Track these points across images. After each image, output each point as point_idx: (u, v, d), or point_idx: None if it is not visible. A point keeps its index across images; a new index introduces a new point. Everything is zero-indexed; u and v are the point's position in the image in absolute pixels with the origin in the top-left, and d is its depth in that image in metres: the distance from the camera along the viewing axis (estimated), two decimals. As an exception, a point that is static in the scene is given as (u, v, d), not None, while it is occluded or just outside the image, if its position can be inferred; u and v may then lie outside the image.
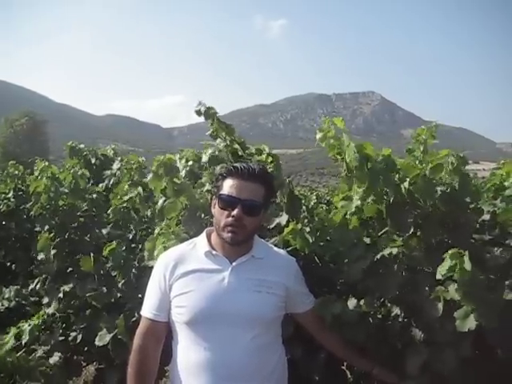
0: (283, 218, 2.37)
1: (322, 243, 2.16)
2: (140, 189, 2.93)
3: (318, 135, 2.03)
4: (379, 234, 2.01)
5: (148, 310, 1.96)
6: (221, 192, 1.88)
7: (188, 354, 1.89)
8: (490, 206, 2.14)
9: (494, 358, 1.85)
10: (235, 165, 1.88)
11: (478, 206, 2.12)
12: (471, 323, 1.70)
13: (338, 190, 2.26)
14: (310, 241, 2.13)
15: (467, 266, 1.66)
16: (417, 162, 2.06)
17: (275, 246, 2.20)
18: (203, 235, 2.01)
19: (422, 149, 2.07)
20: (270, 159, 2.51)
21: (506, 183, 2.24)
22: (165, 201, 2.52)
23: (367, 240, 2.02)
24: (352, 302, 2.07)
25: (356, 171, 1.96)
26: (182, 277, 1.91)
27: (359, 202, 1.98)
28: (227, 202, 1.86)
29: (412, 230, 1.91)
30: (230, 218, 1.85)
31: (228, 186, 1.87)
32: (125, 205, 2.98)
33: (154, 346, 1.96)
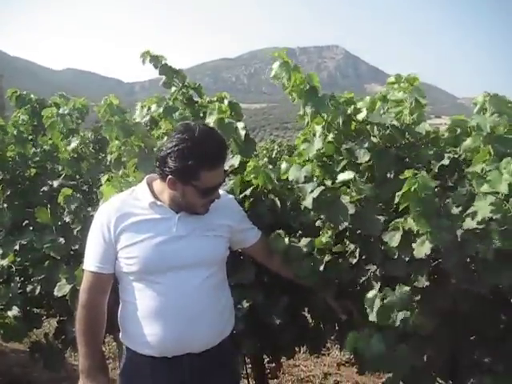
0: (236, 160, 2.36)
1: (281, 183, 2.18)
2: (90, 134, 2.83)
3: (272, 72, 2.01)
4: (338, 170, 2.02)
5: (92, 263, 1.91)
6: (201, 186, 1.82)
7: (141, 301, 1.88)
8: (450, 152, 2.14)
9: (449, 290, 1.91)
10: (209, 158, 1.80)
11: (437, 151, 2.13)
12: (426, 248, 1.73)
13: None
14: (272, 177, 2.13)
15: (426, 180, 1.70)
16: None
17: (231, 189, 2.21)
18: (144, 185, 1.96)
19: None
20: (223, 107, 2.46)
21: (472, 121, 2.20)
22: (120, 147, 2.46)
23: (326, 176, 2.02)
24: (305, 240, 2.10)
25: (304, 98, 1.94)
26: (129, 227, 1.87)
27: (320, 144, 1.97)
28: (209, 192, 1.86)
29: (367, 159, 1.91)
30: (209, 200, 1.88)
31: (207, 179, 1.81)
32: (72, 155, 2.87)
33: (101, 299, 1.93)
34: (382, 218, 1.92)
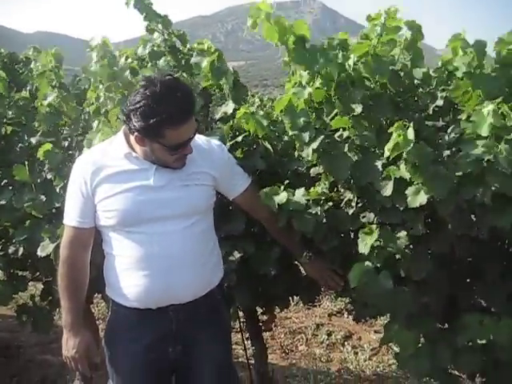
0: (229, 107, 2.25)
1: (273, 128, 2.08)
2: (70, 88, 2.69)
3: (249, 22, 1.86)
4: (329, 117, 1.92)
5: (71, 217, 1.87)
6: (167, 143, 1.73)
7: (122, 252, 1.84)
8: (443, 91, 2.06)
9: (445, 237, 1.87)
10: (172, 115, 1.68)
11: (430, 91, 2.05)
12: (422, 198, 1.68)
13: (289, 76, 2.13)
14: (264, 123, 2.03)
15: (410, 135, 1.61)
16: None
17: (221, 136, 2.11)
18: (121, 135, 1.87)
19: (378, 31, 1.88)
20: (212, 49, 2.33)
21: (454, 63, 2.15)
22: (99, 98, 2.33)
23: (318, 123, 1.93)
24: (300, 191, 2.01)
25: (292, 52, 1.83)
26: (106, 180, 1.81)
27: (311, 89, 1.86)
28: (178, 149, 1.76)
29: (361, 110, 1.81)
30: (180, 155, 1.79)
31: (173, 137, 1.72)
32: (48, 109, 2.72)
33: (83, 254, 1.90)
34: (379, 163, 1.84)
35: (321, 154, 1.88)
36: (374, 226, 1.85)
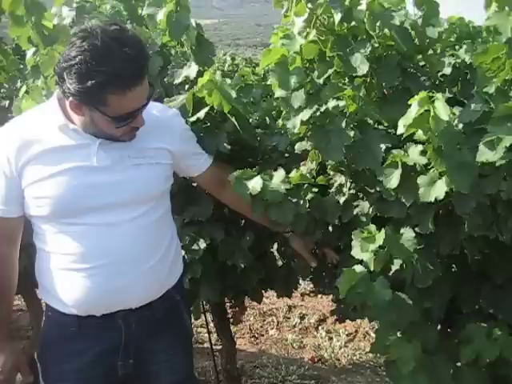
0: (192, 69, 1.83)
1: (246, 100, 1.69)
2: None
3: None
4: (322, 80, 1.53)
5: None
6: (111, 113, 1.35)
7: (56, 248, 1.48)
8: (450, 57, 1.76)
9: (456, 238, 1.55)
10: (117, 77, 1.30)
11: (437, 57, 1.70)
12: (439, 191, 1.34)
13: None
14: (233, 95, 1.63)
15: (442, 111, 1.25)
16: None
17: (181, 106, 1.71)
18: (54, 102, 1.47)
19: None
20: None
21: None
22: (35, 53, 1.90)
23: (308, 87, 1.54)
24: (279, 175, 1.66)
25: None
26: (35, 159, 1.42)
27: (303, 41, 1.47)
28: (125, 120, 1.38)
29: (367, 70, 1.44)
30: (131, 127, 1.44)
31: (118, 105, 1.34)
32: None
33: (9, 248, 1.54)
34: (382, 146, 1.49)
35: (312, 127, 1.50)
36: (373, 229, 1.50)
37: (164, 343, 1.63)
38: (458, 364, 1.65)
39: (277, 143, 1.86)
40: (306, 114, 1.47)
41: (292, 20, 1.51)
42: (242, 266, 1.94)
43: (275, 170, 1.71)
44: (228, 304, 2.49)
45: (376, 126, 1.55)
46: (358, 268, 1.51)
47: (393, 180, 1.42)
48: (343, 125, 1.49)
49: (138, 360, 1.59)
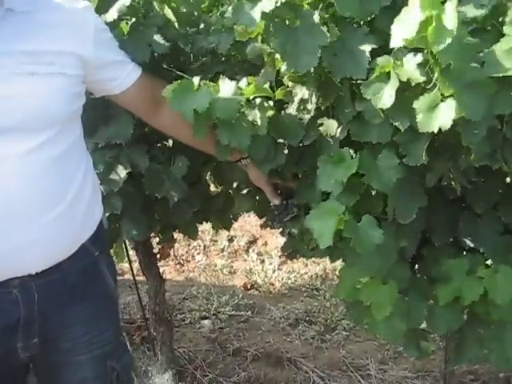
0: None
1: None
2: None
3: None
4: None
5: None
6: None
7: None
8: None
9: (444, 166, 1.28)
10: None
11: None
12: (445, 118, 1.01)
13: None
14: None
15: (450, 18, 0.91)
16: None
17: None
18: None
19: None
20: None
21: None
22: None
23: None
24: (230, 85, 1.27)
25: None
26: None
27: None
28: None
29: None
30: None
31: None
32: None
33: None
34: (366, 49, 1.12)
35: (274, 24, 1.10)
36: (346, 153, 1.18)
37: (80, 314, 1.27)
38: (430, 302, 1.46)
39: (216, 44, 1.45)
40: (268, 4, 1.06)
41: None
42: (175, 199, 1.63)
43: (213, 79, 1.33)
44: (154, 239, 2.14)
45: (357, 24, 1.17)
46: (332, 203, 1.20)
47: (384, 97, 1.07)
48: (315, 19, 1.11)
49: (46, 338, 1.23)
